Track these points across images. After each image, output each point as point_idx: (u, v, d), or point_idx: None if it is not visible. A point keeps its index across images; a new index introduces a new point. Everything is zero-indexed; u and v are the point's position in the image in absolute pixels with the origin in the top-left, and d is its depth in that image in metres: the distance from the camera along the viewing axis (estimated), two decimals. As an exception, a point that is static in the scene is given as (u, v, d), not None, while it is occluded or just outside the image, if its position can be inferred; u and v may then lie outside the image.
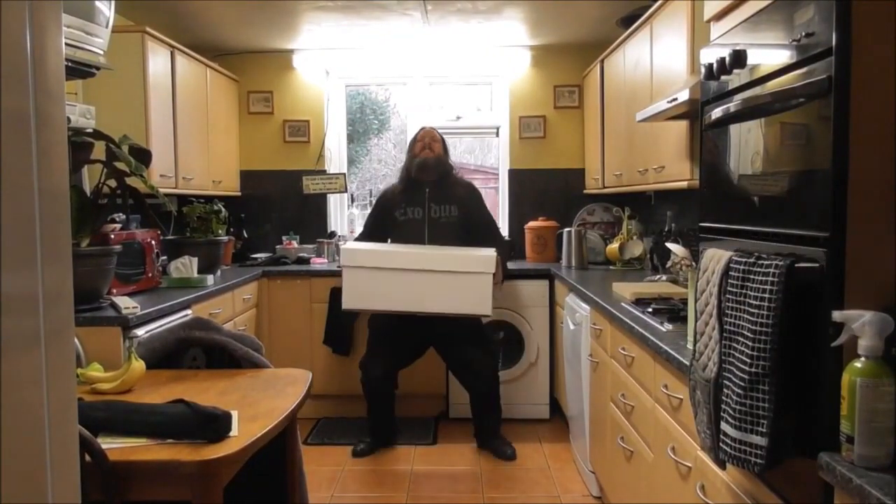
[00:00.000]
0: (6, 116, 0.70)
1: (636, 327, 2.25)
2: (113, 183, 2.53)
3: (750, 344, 1.26)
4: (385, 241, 3.81)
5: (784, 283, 1.21)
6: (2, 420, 0.68)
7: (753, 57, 1.48)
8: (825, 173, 1.18)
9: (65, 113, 0.83)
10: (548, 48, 4.76)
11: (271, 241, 4.86)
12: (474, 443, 3.78)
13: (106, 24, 2.58)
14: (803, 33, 1.24)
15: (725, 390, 1.36)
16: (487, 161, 5.68)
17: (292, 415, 1.90)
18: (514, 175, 4.89)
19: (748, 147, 1.52)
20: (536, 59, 4.80)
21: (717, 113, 1.57)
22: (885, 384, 1.07)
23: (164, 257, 3.57)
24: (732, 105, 1.50)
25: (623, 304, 2.69)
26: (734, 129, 1.58)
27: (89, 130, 2.61)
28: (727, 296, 1.38)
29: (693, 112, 2.42)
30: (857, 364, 1.09)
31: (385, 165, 5.85)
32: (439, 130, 3.90)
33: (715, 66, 1.61)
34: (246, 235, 4.80)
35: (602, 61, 4.16)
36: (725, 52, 1.56)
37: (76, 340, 2.35)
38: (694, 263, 1.83)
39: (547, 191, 4.86)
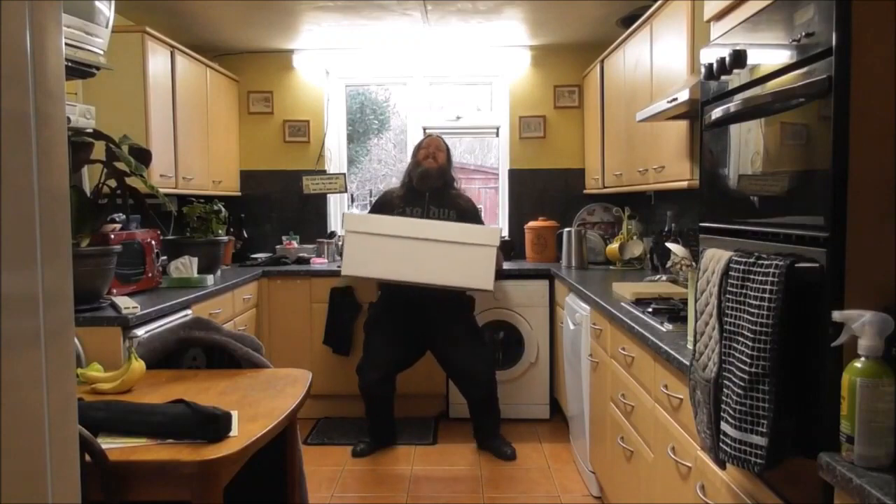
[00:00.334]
0: (6, 116, 0.70)
1: (636, 327, 2.25)
2: (113, 183, 2.53)
3: (750, 344, 1.26)
4: None
5: (784, 282, 1.21)
6: (2, 420, 0.68)
7: (753, 57, 1.48)
8: (825, 173, 1.18)
9: (65, 113, 0.83)
10: (548, 48, 4.76)
11: (271, 241, 4.86)
12: (474, 443, 3.78)
13: (106, 24, 2.58)
14: (803, 33, 1.24)
15: (725, 390, 1.36)
16: (487, 161, 5.68)
17: (292, 415, 1.90)
18: (514, 175, 4.89)
19: (748, 147, 1.52)
20: (536, 59, 4.80)
21: (717, 113, 1.57)
22: (885, 384, 1.07)
23: (164, 257, 3.57)
24: (732, 105, 1.50)
25: (623, 304, 2.69)
26: (734, 129, 1.58)
27: (89, 130, 2.62)
28: (727, 296, 1.38)
29: (693, 112, 2.42)
30: (857, 364, 1.09)
31: (385, 165, 5.85)
32: (440, 131, 3.89)
33: (715, 66, 1.61)
34: (246, 235, 4.80)
35: (602, 61, 4.16)
36: (725, 52, 1.56)
37: (76, 340, 2.35)
38: (694, 263, 1.83)
39: (547, 191, 4.86)
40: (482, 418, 3.73)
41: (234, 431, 1.65)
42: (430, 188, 3.68)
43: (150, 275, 3.27)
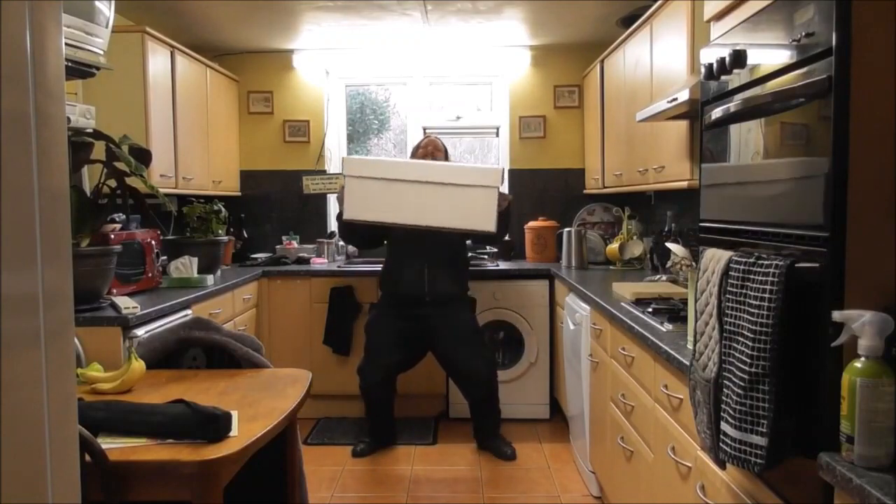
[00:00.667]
0: (6, 116, 0.70)
1: (636, 327, 2.25)
2: (113, 183, 2.53)
3: (750, 344, 1.26)
4: (379, 234, 3.79)
5: (784, 283, 1.21)
6: (2, 420, 0.68)
7: (753, 57, 1.48)
8: (825, 173, 1.18)
9: (65, 113, 0.83)
10: (548, 48, 4.76)
11: (271, 241, 4.86)
12: (474, 443, 3.78)
13: (106, 24, 2.58)
14: (803, 33, 1.24)
15: (725, 390, 1.36)
16: (487, 161, 5.67)
17: (292, 415, 1.90)
18: (514, 175, 4.89)
19: (748, 147, 1.52)
20: (536, 59, 4.80)
21: (717, 113, 1.57)
22: (885, 384, 1.07)
23: (164, 257, 3.57)
24: (732, 105, 1.50)
25: (623, 304, 2.69)
26: (734, 129, 1.58)
27: (89, 130, 2.62)
28: (727, 296, 1.38)
29: (693, 112, 2.42)
30: (857, 364, 1.09)
31: (385, 165, 5.83)
32: (440, 131, 3.88)
33: (715, 66, 1.61)
34: (246, 235, 4.80)
35: (602, 61, 4.16)
36: (725, 52, 1.56)
37: (76, 340, 2.35)
38: (694, 263, 1.83)
39: (547, 191, 4.86)
40: (483, 419, 3.73)
41: (234, 431, 1.65)
42: None
43: (150, 275, 3.27)
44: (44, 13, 0.76)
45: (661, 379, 2.03)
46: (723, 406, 1.37)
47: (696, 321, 1.55)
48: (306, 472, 2.27)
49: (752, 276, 1.29)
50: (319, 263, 4.52)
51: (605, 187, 4.26)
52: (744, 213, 1.52)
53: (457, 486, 3.31)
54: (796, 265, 1.22)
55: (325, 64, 4.83)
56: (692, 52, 2.62)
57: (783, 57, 1.33)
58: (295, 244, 4.71)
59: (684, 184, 2.79)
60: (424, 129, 4.82)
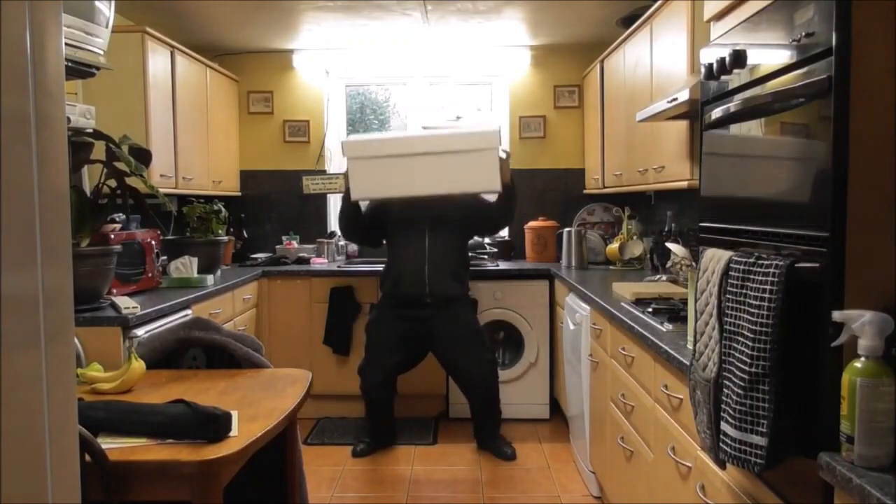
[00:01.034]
0: (6, 116, 0.70)
1: (636, 327, 2.25)
2: (113, 183, 2.53)
3: (750, 344, 1.26)
4: (378, 229, 3.78)
5: (784, 283, 1.21)
6: (2, 420, 0.68)
7: (753, 57, 1.48)
8: (825, 173, 1.18)
9: (65, 113, 0.83)
10: (548, 48, 4.76)
11: (271, 241, 4.86)
12: (474, 443, 3.78)
13: (106, 24, 2.58)
14: (803, 33, 1.24)
15: (725, 390, 1.36)
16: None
17: (292, 415, 1.90)
18: (515, 175, 4.84)
19: (748, 147, 1.52)
20: (536, 59, 4.80)
21: (717, 113, 1.56)
22: (885, 384, 1.07)
23: (164, 257, 3.57)
24: (732, 105, 1.50)
25: (623, 304, 2.69)
26: (734, 129, 1.58)
27: (89, 130, 2.62)
28: (727, 296, 1.38)
29: (693, 112, 2.42)
30: (857, 364, 1.09)
31: (385, 165, 5.83)
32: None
33: (715, 66, 1.61)
34: (246, 235, 4.80)
35: (602, 61, 4.16)
36: (725, 52, 1.56)
37: (76, 340, 2.35)
38: (694, 263, 1.83)
39: (547, 191, 4.86)
40: (483, 419, 3.73)
41: (234, 431, 1.65)
42: None
43: (150, 275, 3.27)
44: (44, 13, 0.76)
45: (661, 379, 2.03)
46: (723, 406, 1.37)
47: (696, 321, 1.55)
48: (306, 472, 2.27)
49: (752, 276, 1.29)
50: (319, 263, 4.52)
51: (605, 187, 4.26)
52: (744, 212, 1.52)
53: (457, 486, 3.31)
54: (796, 265, 1.22)
55: (325, 64, 4.83)
56: (692, 52, 2.62)
57: (783, 57, 1.33)
58: (295, 244, 4.71)
59: (684, 184, 2.79)
60: (425, 129, 4.82)
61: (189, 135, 3.94)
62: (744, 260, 1.34)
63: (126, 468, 1.51)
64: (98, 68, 2.58)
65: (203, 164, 4.17)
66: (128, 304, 2.66)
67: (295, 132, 4.90)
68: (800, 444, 1.24)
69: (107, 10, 2.58)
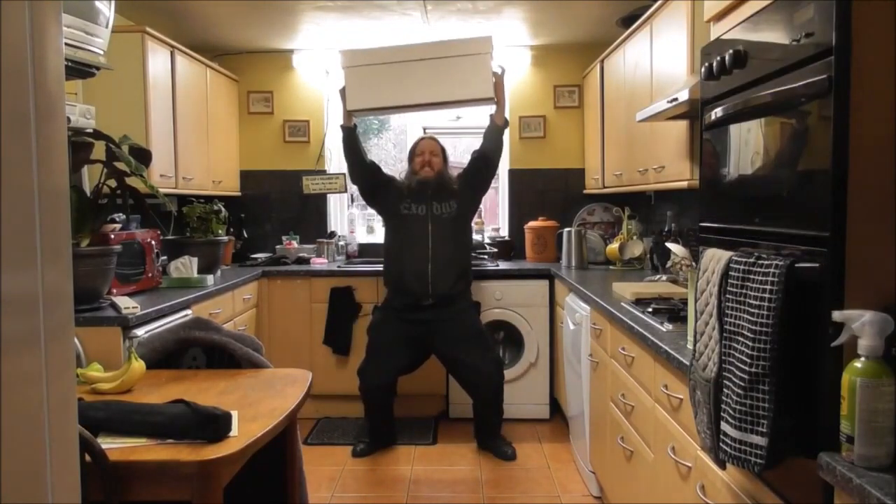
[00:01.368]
0: (6, 116, 0.70)
1: (636, 327, 2.25)
2: (113, 183, 2.53)
3: (750, 344, 1.26)
4: (374, 185, 3.78)
5: (784, 283, 1.21)
6: (2, 420, 0.68)
7: (753, 57, 1.48)
8: (825, 173, 1.18)
9: (65, 113, 0.83)
10: (548, 48, 4.76)
11: (271, 241, 4.86)
12: (474, 443, 3.78)
13: (106, 24, 2.58)
14: (803, 33, 1.24)
15: (725, 390, 1.36)
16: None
17: (292, 415, 1.90)
18: (514, 175, 4.89)
19: (748, 147, 1.52)
20: (536, 59, 4.80)
21: (717, 113, 1.57)
22: (885, 384, 1.07)
23: (164, 257, 3.57)
24: (732, 105, 1.50)
25: (623, 303, 2.69)
26: (734, 129, 1.58)
27: (89, 130, 2.62)
28: (727, 296, 1.38)
29: (693, 112, 2.42)
30: (857, 364, 1.09)
31: (385, 165, 5.83)
32: (440, 131, 3.87)
33: (715, 66, 1.61)
34: (246, 235, 4.80)
35: (602, 61, 4.16)
36: (725, 52, 1.55)
37: (76, 340, 2.35)
38: (694, 263, 1.83)
39: (547, 191, 4.86)
40: (487, 419, 3.72)
41: (234, 431, 1.65)
42: (431, 189, 3.68)
43: (150, 275, 3.27)
44: (44, 13, 0.76)
45: (661, 379, 2.03)
46: (723, 406, 1.37)
47: (696, 321, 1.55)
48: (306, 472, 2.27)
49: (752, 276, 1.29)
50: (319, 263, 4.51)
51: (605, 187, 4.26)
52: (744, 213, 1.52)
53: (457, 486, 3.31)
54: (796, 265, 1.22)
55: (325, 64, 4.83)
56: (692, 52, 2.62)
57: (783, 57, 1.33)
58: (295, 244, 4.71)
59: (684, 184, 2.79)
60: (424, 129, 4.82)
61: (189, 135, 3.94)
62: (744, 260, 1.34)
63: (126, 468, 1.51)
64: (98, 68, 2.58)
65: (203, 164, 4.18)
66: (128, 304, 2.66)
67: (295, 132, 4.90)
68: (800, 444, 1.24)
69: (107, 10, 2.58)
